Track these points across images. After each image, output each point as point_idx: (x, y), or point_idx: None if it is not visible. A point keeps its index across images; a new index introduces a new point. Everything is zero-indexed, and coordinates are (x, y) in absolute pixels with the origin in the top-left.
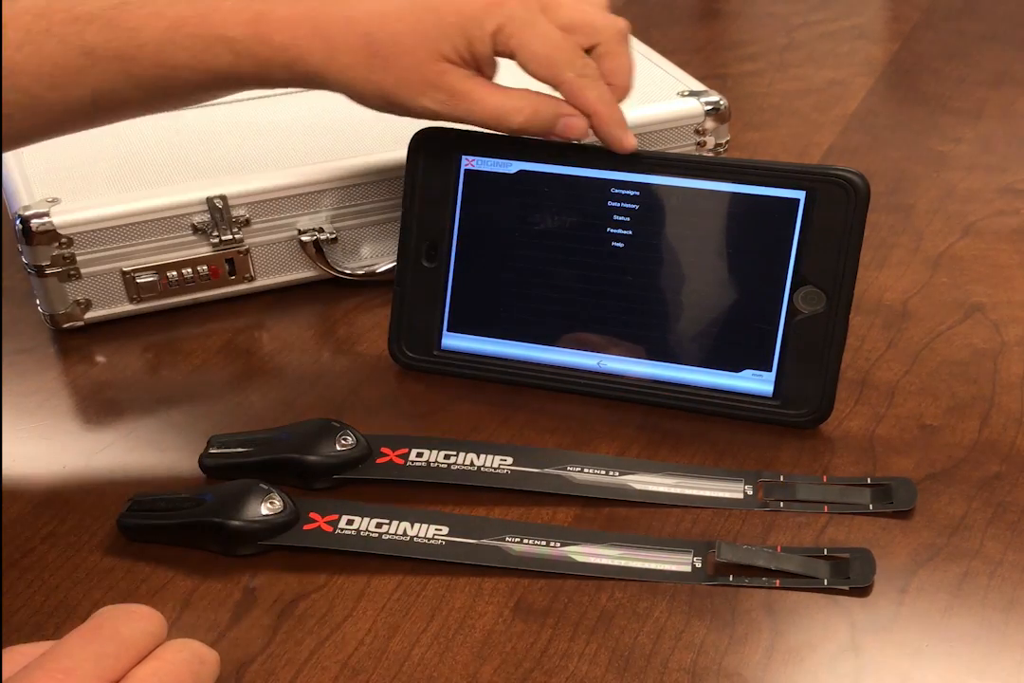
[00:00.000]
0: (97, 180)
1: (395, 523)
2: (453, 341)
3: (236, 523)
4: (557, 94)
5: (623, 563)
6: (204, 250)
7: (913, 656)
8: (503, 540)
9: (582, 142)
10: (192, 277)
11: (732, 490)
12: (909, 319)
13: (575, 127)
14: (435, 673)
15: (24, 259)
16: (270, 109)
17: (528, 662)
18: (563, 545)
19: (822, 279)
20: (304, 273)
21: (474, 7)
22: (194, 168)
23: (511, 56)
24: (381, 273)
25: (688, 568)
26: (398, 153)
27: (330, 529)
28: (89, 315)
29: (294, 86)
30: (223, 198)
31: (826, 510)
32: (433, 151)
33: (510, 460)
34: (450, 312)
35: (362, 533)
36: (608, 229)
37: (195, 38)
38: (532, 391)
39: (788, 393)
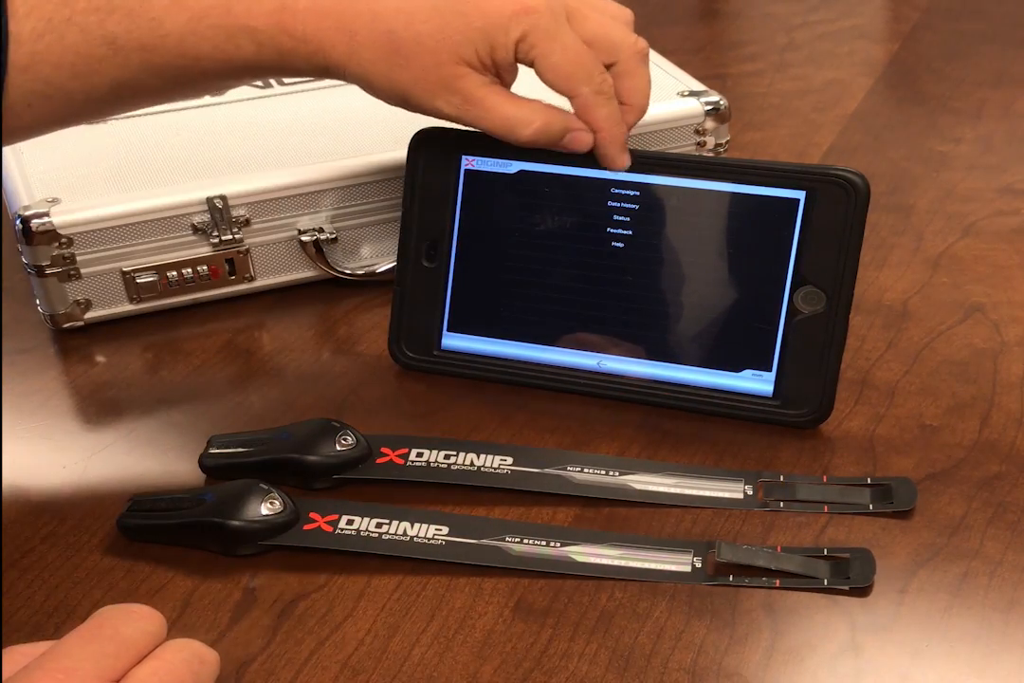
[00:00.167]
0: (97, 180)
1: (395, 523)
2: (453, 341)
3: (236, 523)
4: (567, 104)
5: (623, 563)
6: (204, 250)
7: (913, 656)
8: (503, 540)
9: None
10: (192, 277)
11: (732, 490)
12: (909, 319)
13: (581, 141)
14: (435, 673)
15: (24, 259)
16: (270, 109)
17: (528, 662)
18: (563, 545)
19: (822, 279)
20: (304, 273)
21: (502, 13)
22: (194, 168)
23: (530, 65)
24: (381, 273)
25: (688, 568)
26: (398, 153)
27: (330, 529)
28: (89, 315)
29: (312, 76)
30: (223, 198)
31: (826, 510)
32: (433, 151)
33: (510, 460)
34: (450, 312)
35: (362, 533)
36: (608, 229)
37: (218, 29)
38: (532, 391)
39: (788, 393)
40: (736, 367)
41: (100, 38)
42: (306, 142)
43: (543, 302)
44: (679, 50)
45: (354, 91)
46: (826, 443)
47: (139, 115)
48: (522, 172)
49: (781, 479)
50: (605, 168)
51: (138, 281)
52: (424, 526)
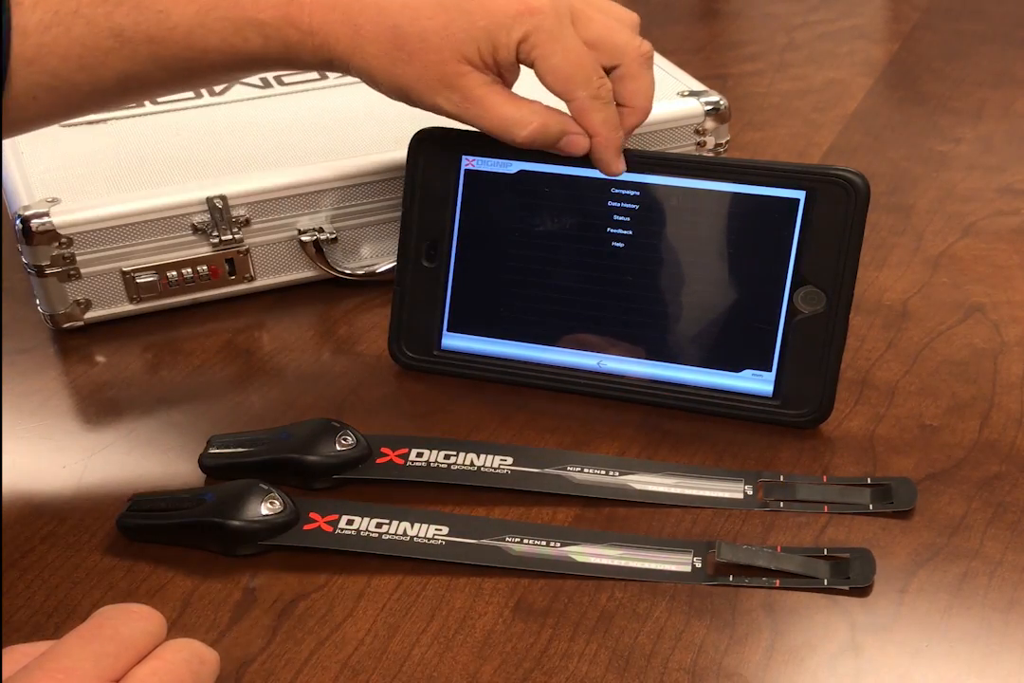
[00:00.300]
0: (97, 180)
1: (395, 523)
2: (453, 341)
3: (236, 523)
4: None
5: (623, 563)
6: (204, 250)
7: (913, 656)
8: (503, 540)
9: None
10: (192, 277)
11: (732, 490)
12: (909, 319)
13: (577, 145)
14: (435, 673)
15: (24, 259)
16: (270, 108)
17: (528, 662)
18: (563, 545)
19: (822, 279)
20: (304, 273)
21: (506, 13)
22: (194, 168)
23: (530, 66)
24: (381, 273)
25: (688, 568)
26: (398, 153)
27: (330, 529)
28: (89, 315)
29: (317, 69)
30: (223, 198)
31: (826, 510)
32: (433, 151)
33: (510, 460)
34: (450, 312)
35: (362, 533)
36: (608, 229)
37: (225, 21)
38: (532, 391)
39: (788, 393)
40: (736, 367)
41: (107, 30)
42: (306, 142)
43: (543, 302)
44: (679, 50)
45: (354, 91)
46: (826, 443)
47: (139, 115)
48: (522, 172)
49: (781, 479)
50: (601, 173)
51: (138, 281)
52: (424, 526)
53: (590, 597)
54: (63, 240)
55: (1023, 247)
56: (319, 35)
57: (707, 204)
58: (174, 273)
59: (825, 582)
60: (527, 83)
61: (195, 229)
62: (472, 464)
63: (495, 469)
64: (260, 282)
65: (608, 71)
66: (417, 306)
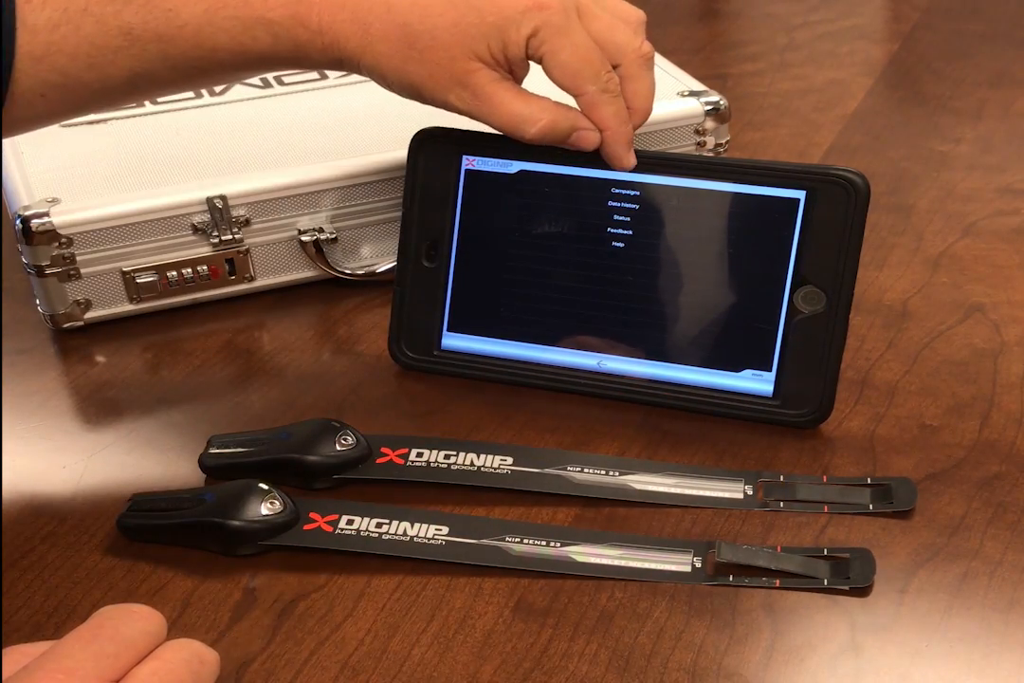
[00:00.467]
0: (97, 180)
1: (395, 523)
2: (453, 341)
3: (236, 523)
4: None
5: (623, 563)
6: (204, 250)
7: (913, 656)
8: (503, 540)
9: None
10: (192, 277)
11: (732, 490)
12: (909, 319)
13: (588, 140)
14: (435, 673)
15: (24, 259)
16: (270, 109)
17: (528, 662)
18: (563, 545)
19: (822, 279)
20: (304, 273)
21: (515, 8)
22: (194, 168)
23: (539, 61)
24: (381, 273)
25: (688, 568)
26: (398, 153)
27: (330, 529)
28: (89, 315)
29: (327, 68)
30: (223, 198)
31: (826, 510)
32: (433, 151)
33: (510, 460)
34: (450, 312)
35: (362, 533)
36: (608, 229)
37: (234, 20)
38: (532, 391)
39: (788, 393)
40: (736, 367)
41: (116, 28)
42: (306, 142)
43: (543, 302)
44: (679, 50)
45: (354, 91)
46: (826, 443)
47: (139, 115)
48: (522, 172)
49: (781, 479)
50: (611, 167)
51: (138, 281)
52: (424, 526)
53: (590, 597)
54: (63, 240)
55: (1023, 247)
56: (328, 34)
57: (707, 204)
58: (174, 273)
59: (825, 582)
60: (535, 79)
61: (195, 229)
62: (472, 464)
63: (495, 469)
64: (260, 282)
65: None
66: (417, 306)
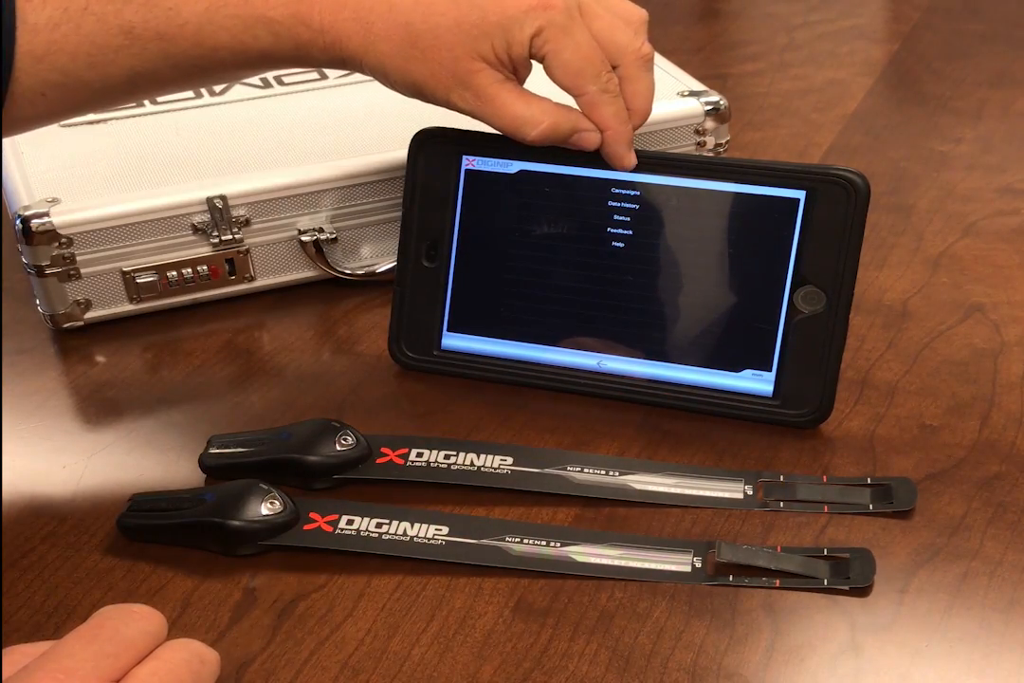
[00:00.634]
0: (97, 180)
1: (395, 523)
2: (453, 341)
3: (236, 523)
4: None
5: (623, 563)
6: (204, 250)
7: (913, 656)
8: (503, 540)
9: None
10: (192, 277)
11: (732, 490)
12: (909, 319)
13: (589, 141)
14: (435, 673)
15: (24, 259)
16: (270, 109)
17: (528, 662)
18: (563, 545)
19: (822, 279)
20: (304, 273)
21: (519, 8)
22: (194, 168)
23: (540, 60)
24: (381, 273)
25: (688, 568)
26: (398, 153)
27: (330, 529)
28: (89, 315)
29: (328, 67)
30: (223, 198)
31: (826, 510)
32: (433, 151)
33: (510, 460)
34: (450, 312)
35: (362, 533)
36: (608, 229)
37: (235, 19)
38: (532, 391)
39: (788, 393)
40: (736, 367)
41: (117, 27)
42: (306, 141)
43: (543, 302)
44: (679, 50)
45: (354, 91)
46: (826, 443)
47: (139, 115)
48: (522, 172)
49: (781, 479)
50: (612, 167)
51: (138, 281)
52: (424, 526)
53: (590, 597)
54: (63, 240)
55: (1023, 247)
56: (330, 33)
57: (707, 204)
58: (174, 273)
59: (825, 582)
60: (535, 78)
61: (195, 229)
62: (472, 464)
63: (495, 469)
64: (260, 282)
65: None
66: (417, 306)
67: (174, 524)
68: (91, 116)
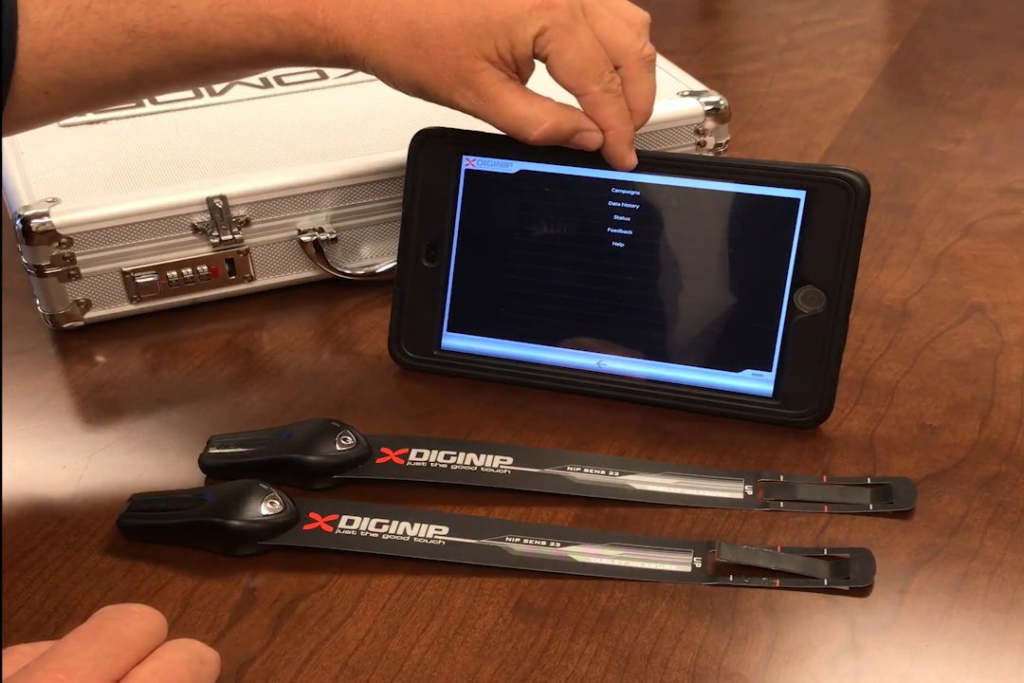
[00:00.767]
0: (97, 180)
1: (395, 523)
2: (453, 341)
3: (236, 523)
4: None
5: (623, 563)
6: (204, 250)
7: (913, 656)
8: (503, 540)
9: None
10: (192, 277)
11: (732, 490)
12: (909, 319)
13: (591, 140)
14: (435, 673)
15: (24, 259)
16: (270, 109)
17: (528, 662)
18: (563, 545)
19: (822, 279)
20: (304, 273)
21: (522, 7)
22: (194, 168)
23: (543, 60)
24: (381, 273)
25: (688, 568)
26: (398, 153)
27: (330, 529)
28: (89, 315)
29: (331, 66)
30: (223, 198)
31: (826, 510)
32: (433, 151)
33: (510, 460)
34: (450, 312)
35: (362, 533)
36: (608, 229)
37: (238, 17)
38: (532, 391)
39: (788, 393)
40: (736, 367)
41: (120, 26)
42: (306, 141)
43: (543, 302)
44: (679, 50)
45: (354, 91)
46: (826, 443)
47: (139, 115)
48: (522, 172)
49: (781, 479)
50: (612, 167)
51: (138, 281)
52: (424, 526)
53: (590, 597)
54: (63, 240)
55: (1023, 247)
56: (333, 31)
57: (707, 204)
58: (174, 273)
59: (825, 582)
60: (534, 77)
61: (195, 229)
62: (472, 464)
63: (495, 469)
64: (260, 282)
65: None
66: (417, 306)
67: (174, 524)
68: (91, 116)
